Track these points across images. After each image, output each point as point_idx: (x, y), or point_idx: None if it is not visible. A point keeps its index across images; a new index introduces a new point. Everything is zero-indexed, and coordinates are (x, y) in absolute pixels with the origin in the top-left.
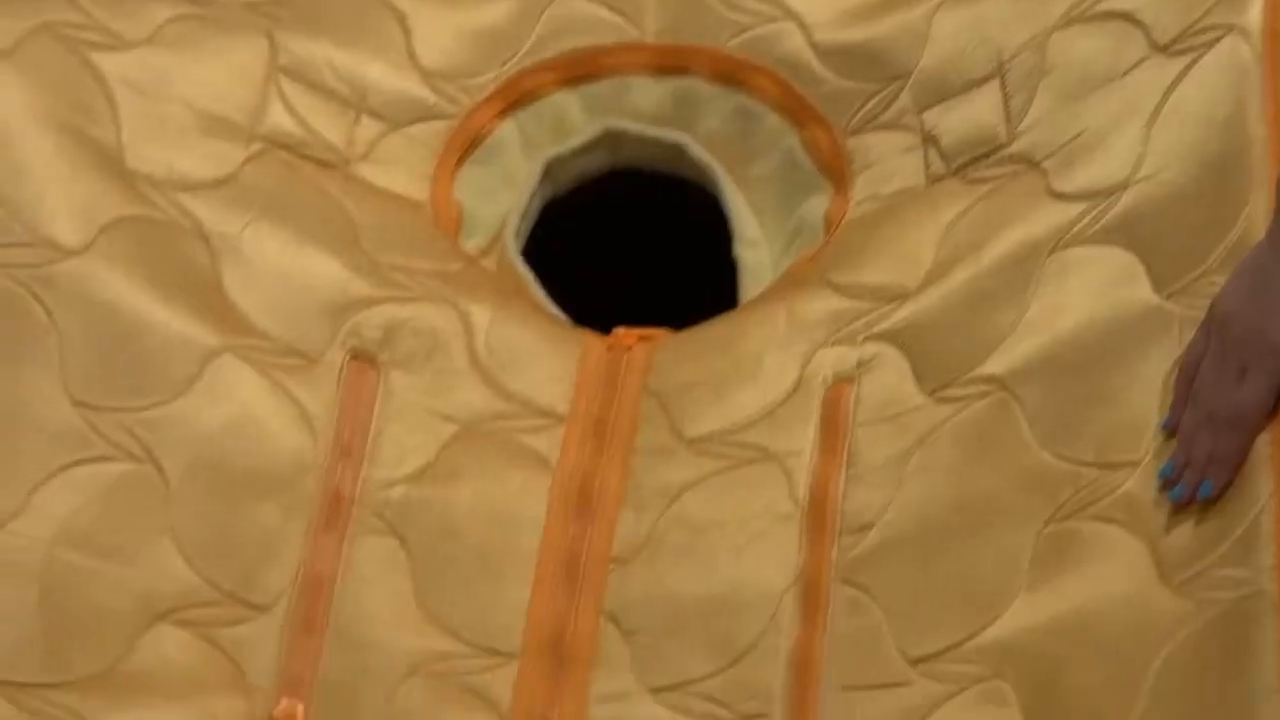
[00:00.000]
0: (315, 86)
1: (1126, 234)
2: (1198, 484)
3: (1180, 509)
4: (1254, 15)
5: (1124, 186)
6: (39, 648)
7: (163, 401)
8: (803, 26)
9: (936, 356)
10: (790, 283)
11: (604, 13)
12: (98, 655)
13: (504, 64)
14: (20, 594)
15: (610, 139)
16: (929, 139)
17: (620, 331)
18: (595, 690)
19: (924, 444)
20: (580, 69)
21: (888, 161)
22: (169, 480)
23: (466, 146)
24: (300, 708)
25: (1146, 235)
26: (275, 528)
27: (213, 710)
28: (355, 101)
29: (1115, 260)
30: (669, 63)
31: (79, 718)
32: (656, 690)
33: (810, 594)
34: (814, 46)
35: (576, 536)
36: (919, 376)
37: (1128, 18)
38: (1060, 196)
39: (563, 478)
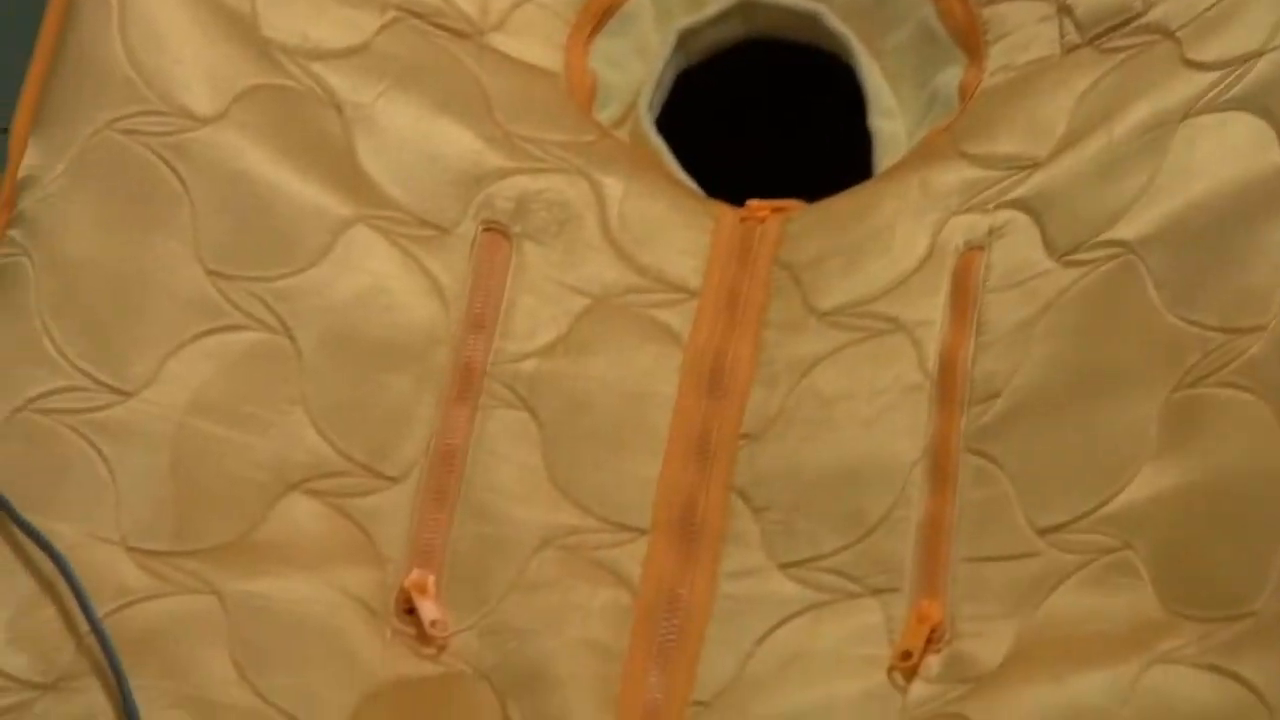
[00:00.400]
0: None
1: (1259, 101)
2: None
3: None
4: None
5: (1259, 54)
6: (171, 516)
7: (295, 271)
8: None
9: (1066, 222)
10: (924, 153)
11: None
12: (229, 524)
13: None
14: (152, 462)
15: (744, 8)
16: (1064, 9)
17: (753, 204)
18: (725, 566)
19: (1051, 309)
20: None
21: (1022, 31)
22: (301, 350)
23: (600, 17)
24: (431, 578)
25: (1278, 103)
26: (407, 399)
27: (344, 580)
28: None
29: (1246, 126)
30: None
31: (210, 586)
32: (786, 566)
33: (939, 465)
34: None
35: (707, 412)
36: (1048, 242)
37: None
38: (1195, 65)
39: (694, 353)
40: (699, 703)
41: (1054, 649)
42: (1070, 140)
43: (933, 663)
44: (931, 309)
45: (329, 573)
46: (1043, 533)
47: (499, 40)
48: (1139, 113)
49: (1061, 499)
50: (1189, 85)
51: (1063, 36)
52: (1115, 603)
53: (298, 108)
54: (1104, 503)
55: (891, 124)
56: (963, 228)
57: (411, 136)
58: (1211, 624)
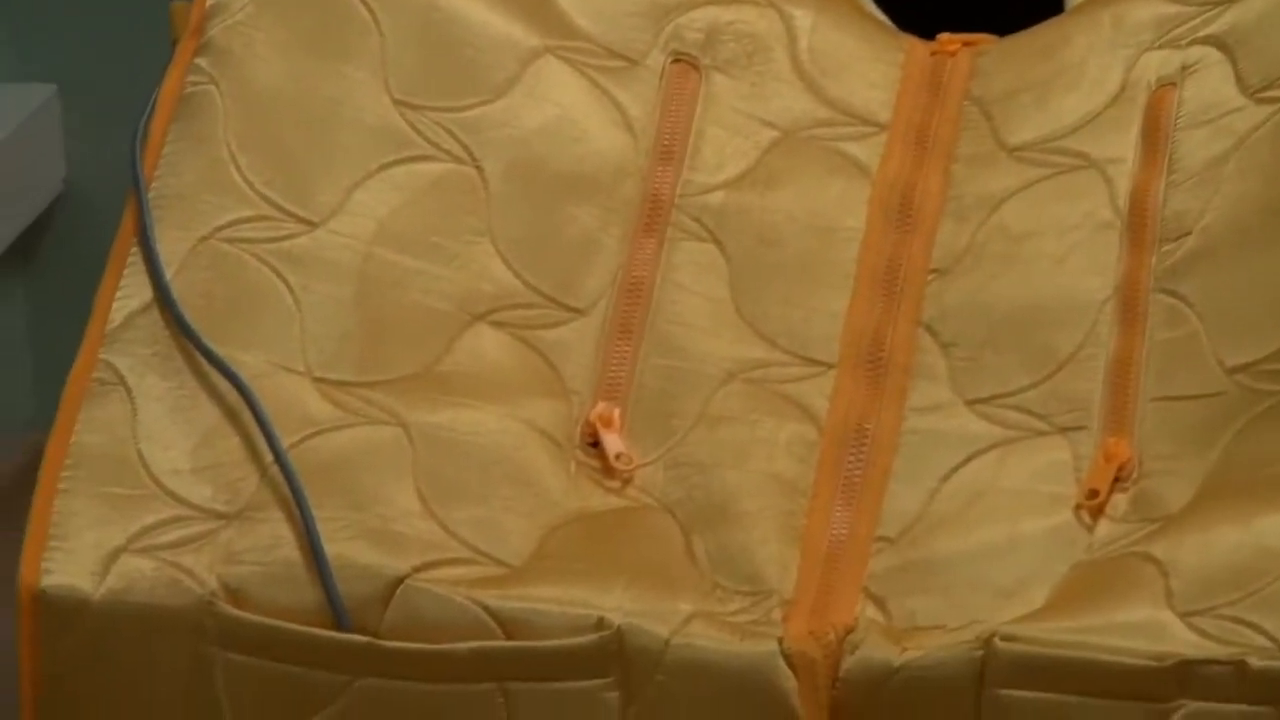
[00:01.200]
0: None
1: None
2: None
3: None
4: None
5: None
6: (356, 347)
7: (483, 102)
8: None
9: (1259, 59)
10: None
11: None
12: (414, 355)
13: None
14: (339, 292)
15: None
16: None
17: (944, 37)
18: (912, 401)
19: (1243, 147)
20: None
21: None
22: (488, 181)
23: None
24: (616, 411)
25: None
26: (594, 231)
27: (529, 412)
28: None
29: None
30: None
31: (396, 417)
32: (973, 402)
33: (1129, 303)
34: None
35: (896, 246)
36: (1240, 79)
37: None
38: None
39: (883, 186)
40: (883, 538)
41: (1241, 489)
42: None
43: (1119, 501)
44: (1123, 145)
45: (514, 405)
46: (1232, 371)
47: None
48: None
49: (1252, 337)
50: None
51: None
52: None
53: None
54: None
55: None
56: (1155, 64)
57: None
58: None
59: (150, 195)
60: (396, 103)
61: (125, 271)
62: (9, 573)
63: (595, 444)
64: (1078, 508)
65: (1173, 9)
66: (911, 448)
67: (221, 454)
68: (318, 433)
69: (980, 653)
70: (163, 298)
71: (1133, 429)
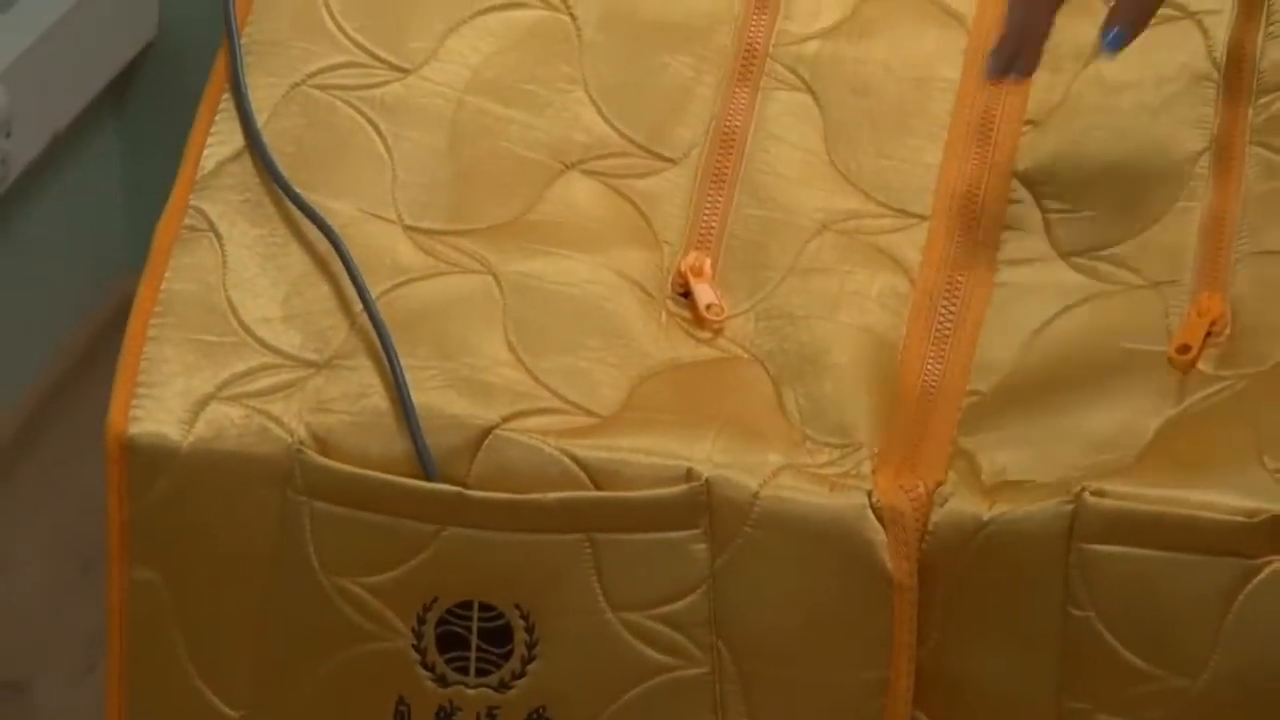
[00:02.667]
0: None
1: None
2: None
3: None
4: None
5: None
6: (448, 195)
7: None
8: None
9: None
10: None
11: None
12: (506, 203)
13: None
14: (431, 140)
15: None
16: None
17: None
18: (1005, 254)
19: None
20: None
21: None
22: (582, 29)
23: None
24: (708, 261)
25: None
26: (688, 80)
27: (620, 261)
28: None
29: None
30: None
31: (486, 265)
32: (1067, 254)
33: (1225, 157)
34: None
35: (991, 97)
36: None
37: None
38: None
39: (979, 36)
40: (974, 391)
41: None
42: None
43: (1211, 356)
44: None
45: (605, 254)
46: None
47: None
48: None
49: None
50: None
51: None
52: None
53: None
54: None
55: None
56: None
57: None
58: None
59: (243, 41)
60: None
61: (217, 118)
62: (100, 420)
63: (686, 294)
64: (1169, 362)
65: None
66: (1004, 300)
67: (311, 302)
68: (407, 281)
69: (1070, 507)
70: (254, 144)
71: (1226, 284)
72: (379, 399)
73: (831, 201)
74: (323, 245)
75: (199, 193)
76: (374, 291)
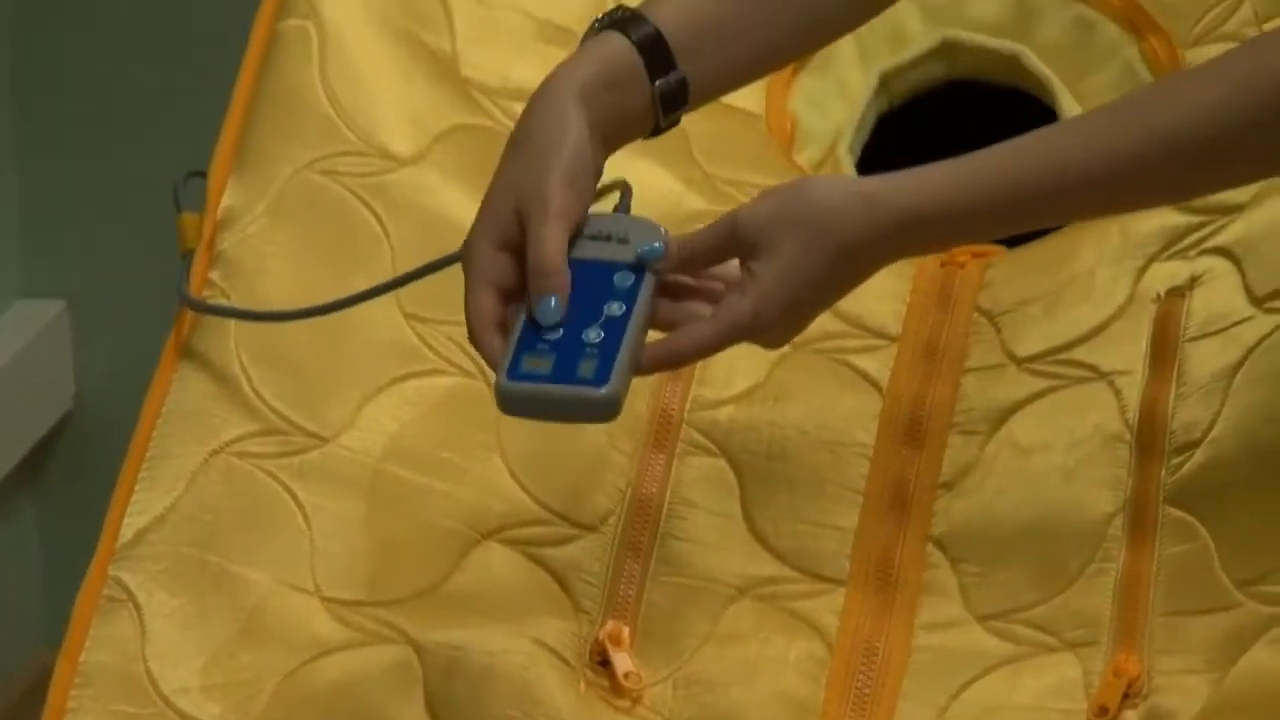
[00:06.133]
0: None
1: None
2: None
3: None
4: None
5: None
6: (366, 565)
7: None
8: None
9: (1268, 267)
10: None
11: None
12: (424, 573)
13: None
14: (349, 509)
15: (946, 50)
16: None
17: (953, 249)
18: (922, 618)
19: (1251, 356)
20: None
21: None
22: None
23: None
24: (626, 630)
25: None
26: (603, 447)
27: (539, 631)
28: None
29: None
30: None
31: (405, 635)
32: (984, 618)
33: (1139, 518)
34: None
35: (905, 461)
36: (1249, 288)
37: None
38: None
39: (892, 400)
40: None
41: (1251, 704)
42: (1273, 186)
43: (1130, 718)
44: (1133, 357)
45: (524, 623)
46: (1242, 585)
47: None
48: None
49: (1262, 550)
50: None
51: None
52: None
53: (497, 148)
54: None
55: None
56: (1164, 275)
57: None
58: None
59: (162, 409)
60: (407, 316)
61: (136, 487)
62: None
63: (605, 662)
64: None
65: (1180, 220)
66: (922, 665)
67: (230, 672)
68: (325, 653)
69: None
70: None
71: (1143, 645)
72: None
73: (748, 567)
74: (242, 614)
75: (118, 562)
76: (290, 665)
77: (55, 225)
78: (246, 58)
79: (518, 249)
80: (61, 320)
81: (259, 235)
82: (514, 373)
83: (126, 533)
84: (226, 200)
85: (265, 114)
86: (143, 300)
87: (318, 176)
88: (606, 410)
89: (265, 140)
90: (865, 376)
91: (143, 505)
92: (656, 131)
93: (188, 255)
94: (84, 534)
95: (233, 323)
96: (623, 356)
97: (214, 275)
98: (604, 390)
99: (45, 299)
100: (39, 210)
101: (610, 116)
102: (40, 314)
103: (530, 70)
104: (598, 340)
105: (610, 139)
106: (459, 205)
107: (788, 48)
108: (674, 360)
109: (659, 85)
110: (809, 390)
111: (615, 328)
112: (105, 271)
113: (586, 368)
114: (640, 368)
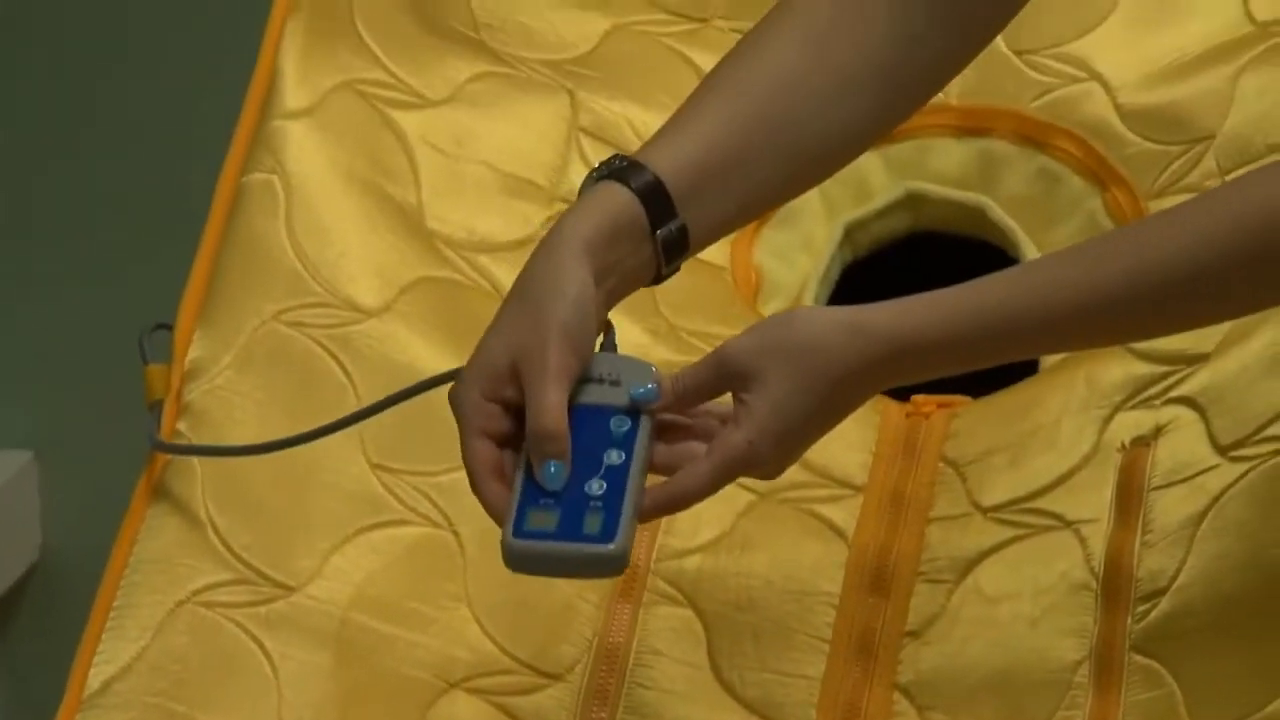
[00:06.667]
0: (616, 146)
1: None
2: None
3: None
4: None
5: None
6: (333, 714)
7: (457, 467)
8: (1107, 88)
9: (1233, 416)
10: None
11: None
12: None
13: None
14: (316, 659)
15: (911, 201)
16: None
17: (919, 399)
18: None
19: (1217, 504)
20: None
21: None
22: (464, 546)
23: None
24: None
25: None
26: (569, 596)
27: None
28: None
29: None
30: (971, 124)
31: None
32: None
33: (1105, 666)
34: (1118, 108)
35: (872, 610)
36: (1214, 437)
37: None
38: None
39: (858, 550)
40: None
41: None
42: (1237, 335)
43: None
44: (1098, 506)
45: None
46: None
47: None
48: None
49: (1229, 698)
50: None
51: None
52: None
53: (463, 301)
54: (1265, 704)
55: None
56: (1129, 424)
57: None
58: None
59: (129, 559)
60: (374, 466)
61: (103, 637)
62: None
63: None
64: None
65: (1145, 369)
66: None
67: None
68: None
69: None
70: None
71: None
72: None
73: (715, 716)
74: None
75: (85, 713)
76: None
77: (21, 376)
78: (213, 210)
79: (507, 401)
80: (29, 471)
81: (226, 386)
82: (519, 530)
83: (94, 683)
84: (193, 351)
85: (232, 266)
86: (109, 451)
87: (284, 328)
88: (616, 566)
89: (232, 292)
90: (831, 526)
91: (110, 655)
92: (658, 279)
93: (155, 406)
94: (50, 686)
95: (200, 472)
96: (627, 509)
97: (181, 425)
98: (612, 547)
99: (12, 449)
100: (4, 361)
101: (614, 268)
102: (7, 465)
103: (495, 223)
104: (601, 493)
105: (615, 290)
106: (424, 357)
107: (783, 189)
108: (675, 505)
109: (660, 235)
110: (775, 540)
111: (617, 478)
112: (72, 422)
113: (592, 523)
114: (643, 515)
